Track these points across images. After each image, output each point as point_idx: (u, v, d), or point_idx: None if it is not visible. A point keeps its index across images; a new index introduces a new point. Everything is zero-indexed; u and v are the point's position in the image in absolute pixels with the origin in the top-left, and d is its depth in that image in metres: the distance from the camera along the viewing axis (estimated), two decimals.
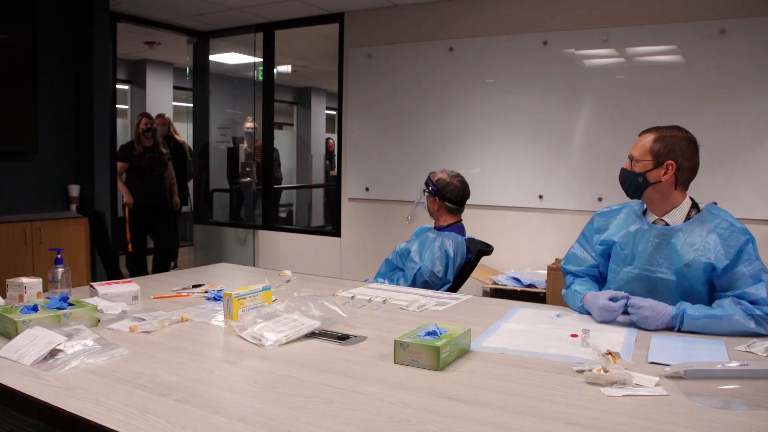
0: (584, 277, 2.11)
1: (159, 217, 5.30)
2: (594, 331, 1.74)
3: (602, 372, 1.33)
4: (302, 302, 1.83)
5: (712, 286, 1.87)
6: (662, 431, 1.11)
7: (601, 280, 2.12)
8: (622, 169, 1.99)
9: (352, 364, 1.47)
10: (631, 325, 1.82)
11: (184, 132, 6.75)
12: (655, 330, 1.76)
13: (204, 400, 1.23)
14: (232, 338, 1.68)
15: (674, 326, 1.76)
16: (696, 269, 1.84)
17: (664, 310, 1.77)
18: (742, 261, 1.80)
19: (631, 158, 1.97)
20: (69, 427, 1.16)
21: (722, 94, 3.66)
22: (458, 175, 2.81)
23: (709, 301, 1.86)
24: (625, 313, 1.85)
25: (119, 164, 5.11)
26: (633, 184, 1.95)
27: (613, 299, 1.85)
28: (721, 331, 1.72)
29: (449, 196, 2.75)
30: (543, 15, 4.17)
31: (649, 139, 1.94)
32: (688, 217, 1.92)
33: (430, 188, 2.77)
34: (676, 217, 1.93)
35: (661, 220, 1.95)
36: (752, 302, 1.74)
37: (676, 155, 1.90)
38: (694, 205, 1.95)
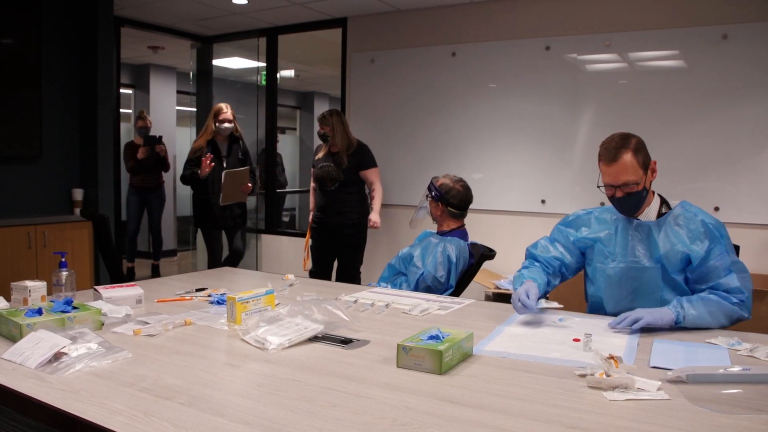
0: (540, 265, 2.18)
1: (340, 240, 4.26)
2: (596, 335, 1.74)
3: (604, 376, 1.33)
4: (305, 306, 1.84)
5: (686, 275, 1.98)
6: None
7: (555, 273, 2.18)
8: (623, 198, 1.97)
9: (355, 368, 1.47)
10: (634, 330, 1.83)
11: (187, 136, 6.78)
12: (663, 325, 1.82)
13: (207, 403, 1.23)
14: (235, 342, 1.68)
15: (679, 321, 1.82)
16: (674, 260, 1.95)
17: (666, 316, 1.82)
18: (714, 255, 1.90)
19: (627, 184, 1.95)
20: (73, 429, 1.17)
21: (724, 100, 3.66)
22: (461, 180, 2.81)
23: (686, 287, 1.98)
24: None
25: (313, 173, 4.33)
26: (640, 200, 2.00)
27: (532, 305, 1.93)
28: (714, 311, 1.83)
29: (452, 202, 2.75)
30: (545, 20, 4.19)
31: (629, 157, 1.94)
32: (660, 213, 2.03)
33: (433, 193, 2.77)
34: (649, 214, 2.04)
35: (637, 219, 2.05)
36: (726, 291, 1.87)
37: (648, 154, 2.00)
38: (663, 201, 2.05)
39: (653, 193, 2.06)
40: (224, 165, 4.34)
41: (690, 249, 1.93)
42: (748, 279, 1.90)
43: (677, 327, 1.83)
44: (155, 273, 6.38)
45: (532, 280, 2.04)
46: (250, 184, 4.37)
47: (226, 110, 4.35)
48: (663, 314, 1.82)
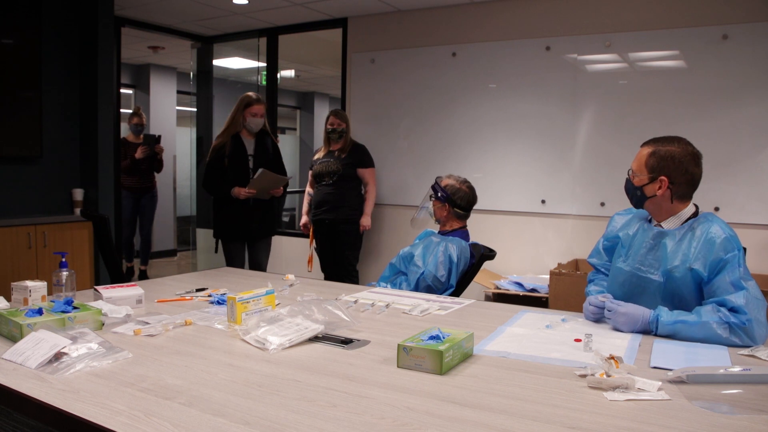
0: (603, 273, 2.19)
1: (336, 237, 4.32)
2: (597, 335, 1.74)
3: (605, 376, 1.33)
4: (305, 306, 1.84)
5: (701, 290, 1.86)
6: None
7: None
8: (626, 180, 2.04)
9: (355, 368, 1.47)
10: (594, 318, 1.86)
11: (187, 136, 6.78)
12: (631, 332, 1.82)
13: (207, 403, 1.23)
14: (235, 342, 1.68)
15: (652, 331, 1.80)
16: (681, 275, 1.86)
17: (641, 316, 1.81)
18: (726, 270, 1.79)
19: (631, 170, 2.01)
20: (73, 430, 1.17)
21: (724, 100, 3.67)
22: (466, 181, 2.81)
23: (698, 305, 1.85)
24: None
25: (310, 174, 4.44)
26: (634, 196, 2.02)
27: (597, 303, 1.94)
28: (696, 337, 1.73)
29: (459, 203, 2.75)
30: (546, 20, 4.19)
31: (645, 152, 1.97)
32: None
33: (439, 194, 2.76)
34: (672, 223, 1.97)
35: (660, 225, 1.99)
36: (731, 309, 1.72)
37: (669, 170, 1.91)
38: (695, 214, 1.96)
39: (689, 204, 1.97)
40: (251, 165, 3.77)
41: (702, 263, 1.82)
42: (759, 306, 1.73)
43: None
44: (143, 278, 6.24)
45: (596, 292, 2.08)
46: (280, 190, 3.90)
47: (259, 102, 3.75)
48: (639, 315, 1.81)
